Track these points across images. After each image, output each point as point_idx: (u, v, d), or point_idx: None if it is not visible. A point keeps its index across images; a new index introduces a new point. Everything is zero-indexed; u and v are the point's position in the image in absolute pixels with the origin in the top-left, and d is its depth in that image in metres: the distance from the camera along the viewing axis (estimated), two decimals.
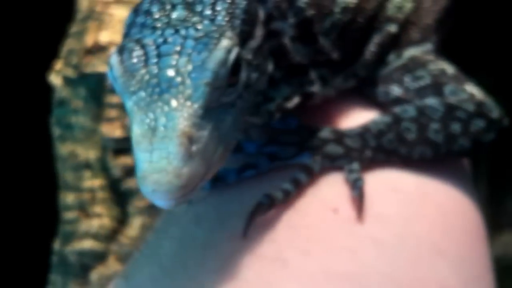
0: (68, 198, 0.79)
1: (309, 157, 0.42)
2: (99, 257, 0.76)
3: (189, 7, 0.37)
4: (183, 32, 0.36)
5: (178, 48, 0.36)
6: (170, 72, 0.35)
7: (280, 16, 0.41)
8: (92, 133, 0.78)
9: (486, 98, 0.43)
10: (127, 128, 0.74)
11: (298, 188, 0.41)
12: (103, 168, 0.77)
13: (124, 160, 0.75)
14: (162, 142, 0.33)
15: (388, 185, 0.42)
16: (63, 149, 0.80)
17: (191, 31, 0.36)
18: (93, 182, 0.78)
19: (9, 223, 1.10)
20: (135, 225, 0.75)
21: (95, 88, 0.77)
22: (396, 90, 0.45)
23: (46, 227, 0.84)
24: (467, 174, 0.46)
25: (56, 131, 0.80)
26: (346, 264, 0.38)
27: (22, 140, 1.08)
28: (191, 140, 0.34)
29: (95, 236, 0.77)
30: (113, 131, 0.75)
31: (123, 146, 0.74)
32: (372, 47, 0.46)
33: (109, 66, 0.37)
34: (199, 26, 0.36)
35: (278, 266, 0.38)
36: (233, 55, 0.36)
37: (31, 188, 1.07)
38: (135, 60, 0.36)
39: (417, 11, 0.47)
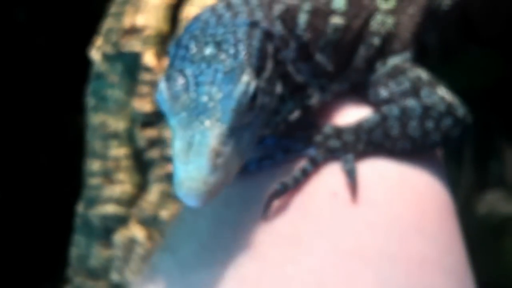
0: (94, 165, 0.84)
1: (314, 150, 0.50)
2: (121, 221, 0.82)
3: (218, 45, 0.46)
4: (214, 66, 0.45)
5: (211, 79, 0.44)
6: (205, 98, 0.43)
7: (284, 46, 0.50)
8: (124, 106, 0.83)
9: (454, 99, 0.50)
10: (156, 104, 0.79)
11: (306, 175, 0.49)
12: (130, 139, 0.83)
13: (150, 132, 0.80)
14: (196, 156, 0.42)
15: (376, 173, 0.49)
16: (95, 119, 0.85)
17: (220, 66, 0.44)
18: (118, 151, 0.83)
19: (34, 186, 1.15)
20: (154, 192, 0.80)
21: (131, 65, 0.82)
22: (383, 93, 0.52)
23: (69, 191, 0.89)
24: (440, 162, 0.53)
25: (91, 101, 0.85)
26: (350, 242, 0.45)
27: (54, 108, 1.14)
28: (217, 155, 0.42)
29: (117, 201, 0.82)
30: (143, 105, 0.80)
31: (151, 120, 0.80)
32: (360, 57, 0.54)
33: (158, 90, 0.45)
34: (226, 62, 0.45)
35: (294, 244, 0.46)
36: (252, 87, 0.44)
37: (57, 153, 1.13)
38: (179, 87, 0.44)
39: (397, 26, 0.54)
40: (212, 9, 0.50)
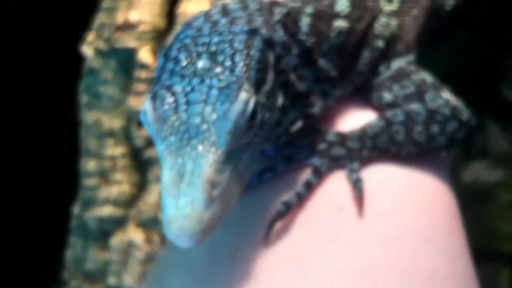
0: (89, 164, 0.82)
1: (318, 159, 0.48)
2: (119, 223, 0.80)
3: (213, 56, 0.41)
4: (207, 81, 0.39)
5: (204, 97, 0.39)
6: (197, 120, 0.38)
7: (286, 53, 0.46)
8: (118, 103, 0.81)
9: (459, 102, 0.50)
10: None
11: (309, 189, 0.46)
12: (126, 137, 0.81)
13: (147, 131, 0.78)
14: (188, 188, 0.36)
15: (383, 179, 0.48)
16: (89, 116, 0.83)
17: (215, 81, 0.39)
18: (114, 150, 0.81)
19: (29, 185, 1.13)
20: (154, 192, 0.78)
21: (125, 62, 0.80)
22: (387, 96, 0.51)
23: (65, 191, 0.87)
24: (445, 164, 0.52)
25: (84, 98, 0.83)
26: (357, 260, 0.43)
27: (47, 105, 1.11)
28: (213, 185, 0.37)
29: (114, 203, 0.80)
30: (140, 104, 0.78)
31: None
32: (364, 61, 0.52)
33: (143, 111, 0.40)
34: (221, 77, 0.40)
35: (299, 269, 0.43)
36: (250, 106, 0.39)
37: (53, 152, 1.11)
38: (166, 107, 0.39)
39: (400, 28, 0.53)
40: (206, 14, 0.45)
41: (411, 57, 0.53)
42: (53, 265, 0.91)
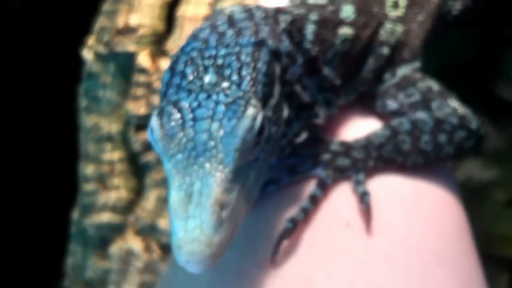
0: (88, 169, 0.81)
1: (322, 170, 0.47)
2: (117, 229, 0.79)
3: (219, 70, 0.40)
4: (214, 97, 0.38)
5: (210, 113, 0.38)
6: (204, 136, 0.37)
7: (291, 63, 0.45)
8: (117, 108, 0.80)
9: (467, 111, 0.49)
10: (151, 106, 0.76)
11: (315, 203, 0.45)
12: (124, 141, 0.80)
13: (145, 135, 0.77)
14: (197, 209, 0.35)
15: (390, 191, 0.47)
16: (87, 120, 0.82)
17: (221, 97, 0.38)
18: (112, 154, 0.80)
19: (28, 191, 1.12)
20: (151, 198, 0.77)
21: (124, 66, 0.79)
22: (392, 104, 0.50)
23: (64, 196, 0.86)
24: (451, 174, 0.51)
25: (83, 102, 0.82)
26: (365, 280, 0.42)
27: (47, 109, 1.11)
28: (222, 206, 0.36)
29: (113, 209, 0.79)
30: (138, 108, 0.77)
31: (145, 123, 0.74)
32: (369, 68, 0.50)
33: (150, 128, 0.39)
34: (228, 92, 0.39)
35: None
36: (258, 121, 0.38)
37: (52, 156, 1.10)
38: (173, 124, 0.38)
39: (406, 34, 0.52)
40: (212, 25, 0.44)
41: (416, 64, 0.52)
42: (53, 273, 0.90)
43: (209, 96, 0.38)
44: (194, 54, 0.41)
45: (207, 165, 0.36)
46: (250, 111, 0.38)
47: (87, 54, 0.82)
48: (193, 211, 0.35)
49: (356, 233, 0.44)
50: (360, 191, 0.45)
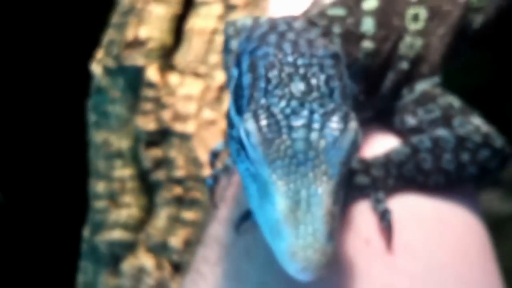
0: (99, 186, 0.81)
1: None
2: (129, 247, 0.78)
3: (305, 79, 0.39)
4: (307, 105, 0.37)
5: (306, 121, 0.37)
6: (302, 145, 0.36)
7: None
8: (126, 123, 0.80)
9: (490, 129, 0.47)
10: (160, 122, 0.76)
11: None
12: (134, 158, 0.79)
13: (155, 152, 0.77)
14: (308, 218, 0.34)
15: (410, 211, 0.45)
16: (97, 136, 0.82)
17: (315, 106, 0.37)
18: (123, 171, 0.80)
19: (40, 208, 1.12)
20: (162, 217, 0.76)
21: (133, 80, 0.79)
22: (411, 121, 0.48)
23: (75, 213, 0.86)
24: (475, 196, 0.49)
25: (92, 117, 0.82)
26: None
27: (57, 125, 1.11)
28: (333, 217, 0.35)
29: (124, 226, 0.79)
30: (147, 123, 0.76)
31: (155, 139, 0.76)
32: (388, 83, 0.49)
33: (245, 131, 0.37)
34: (320, 101, 0.38)
35: None
36: (359, 136, 0.37)
37: (63, 173, 1.10)
38: (271, 129, 0.37)
39: (426, 48, 0.50)
40: (276, 32, 0.43)
41: (436, 79, 0.50)
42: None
43: (302, 104, 0.38)
44: (272, 59, 0.40)
45: (311, 174, 0.35)
46: (353, 124, 0.37)
47: (96, 68, 0.82)
48: (304, 219, 0.34)
49: (377, 250, 0.43)
50: (380, 209, 0.44)
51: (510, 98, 0.92)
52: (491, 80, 0.90)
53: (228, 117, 0.43)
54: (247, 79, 0.41)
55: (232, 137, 0.41)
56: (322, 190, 0.35)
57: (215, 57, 0.76)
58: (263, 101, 0.38)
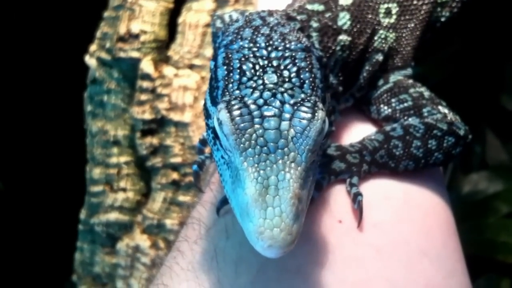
0: (95, 172, 0.84)
1: (319, 173, 0.48)
2: (125, 227, 0.81)
3: (277, 71, 0.41)
4: (279, 96, 0.39)
5: (277, 112, 0.39)
6: (273, 134, 0.38)
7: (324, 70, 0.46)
8: (122, 112, 0.83)
9: (456, 117, 0.50)
10: (156, 111, 0.79)
11: (313, 203, 0.47)
12: (130, 146, 0.82)
13: (151, 139, 0.80)
14: (275, 201, 0.37)
15: (381, 193, 0.49)
16: (93, 125, 0.85)
17: (286, 97, 0.39)
18: (119, 158, 0.83)
19: (40, 191, 1.15)
20: (158, 199, 0.79)
21: (128, 72, 0.82)
22: (385, 110, 0.52)
23: (73, 197, 0.89)
24: (441, 178, 0.53)
25: (88, 107, 0.85)
26: (355, 272, 0.44)
27: (56, 114, 1.13)
28: (299, 200, 0.37)
29: (120, 209, 0.82)
30: (143, 113, 0.79)
31: (151, 128, 0.79)
32: (364, 74, 0.53)
33: (219, 121, 0.39)
34: (291, 92, 0.40)
35: (299, 279, 0.44)
36: (326, 125, 0.40)
37: (62, 160, 1.12)
38: (243, 119, 0.39)
39: (398, 41, 0.53)
40: (251, 26, 0.45)
41: (408, 70, 0.53)
42: (64, 269, 0.93)
43: (274, 95, 0.40)
44: (246, 52, 0.43)
45: (280, 161, 0.38)
46: (320, 114, 0.39)
47: (90, 60, 0.84)
48: (271, 202, 0.37)
49: (348, 228, 0.46)
50: (353, 192, 0.47)
51: (503, 89, 0.96)
52: (484, 71, 0.95)
53: (204, 107, 0.44)
54: (221, 71, 0.43)
55: (209, 127, 0.43)
56: (290, 176, 0.37)
57: (210, 50, 0.78)
58: (236, 92, 0.41)
